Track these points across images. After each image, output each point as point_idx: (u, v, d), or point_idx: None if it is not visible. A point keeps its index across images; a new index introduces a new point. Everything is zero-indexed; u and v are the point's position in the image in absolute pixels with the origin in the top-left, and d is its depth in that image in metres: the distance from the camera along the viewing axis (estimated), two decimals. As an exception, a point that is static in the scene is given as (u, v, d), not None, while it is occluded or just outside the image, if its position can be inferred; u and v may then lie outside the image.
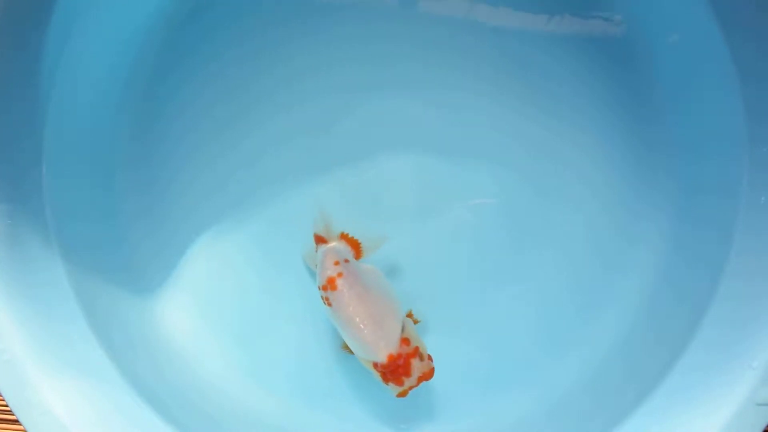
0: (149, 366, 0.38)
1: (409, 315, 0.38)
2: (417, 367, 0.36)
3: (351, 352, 0.37)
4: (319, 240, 0.38)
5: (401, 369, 0.35)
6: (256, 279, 0.41)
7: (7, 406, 0.33)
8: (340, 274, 0.36)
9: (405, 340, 0.36)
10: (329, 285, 0.36)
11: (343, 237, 0.38)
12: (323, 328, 0.40)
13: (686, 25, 0.38)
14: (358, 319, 0.35)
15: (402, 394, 0.36)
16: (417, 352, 0.36)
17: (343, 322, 0.36)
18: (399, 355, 0.35)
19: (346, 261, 0.37)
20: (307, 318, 0.40)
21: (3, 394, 0.33)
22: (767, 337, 0.33)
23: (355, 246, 0.38)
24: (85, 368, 0.35)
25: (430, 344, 0.37)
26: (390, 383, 0.36)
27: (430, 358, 0.36)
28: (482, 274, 0.40)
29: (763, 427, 0.32)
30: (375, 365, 0.36)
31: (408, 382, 0.35)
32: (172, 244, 0.41)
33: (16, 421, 0.33)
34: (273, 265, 0.41)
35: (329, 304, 0.36)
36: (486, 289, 0.40)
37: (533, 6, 0.41)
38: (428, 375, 0.36)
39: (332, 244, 0.38)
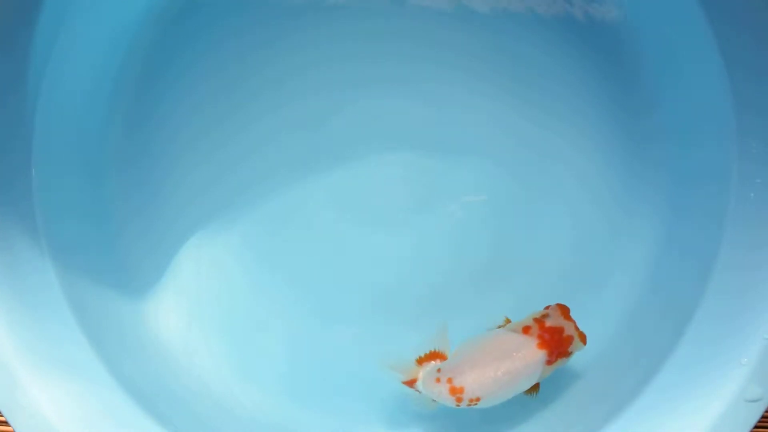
0: (141, 367, 0.38)
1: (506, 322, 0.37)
2: (553, 320, 0.35)
3: (537, 390, 0.36)
4: (410, 383, 0.36)
5: (555, 336, 0.34)
6: (248, 279, 0.40)
7: (-3, 408, 0.33)
8: (449, 380, 0.34)
9: (526, 329, 0.35)
10: (458, 394, 0.34)
11: (419, 362, 0.36)
12: (314, 327, 0.40)
13: (674, 17, 0.38)
14: (500, 373, 0.34)
15: (582, 338, 0.35)
16: (538, 321, 0.35)
17: (500, 385, 0.34)
18: (541, 338, 0.34)
19: (439, 371, 0.35)
20: (298, 317, 0.40)
21: (-7, 397, 0.33)
22: (757, 333, 0.33)
23: (440, 356, 0.36)
24: (76, 370, 0.35)
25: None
26: (570, 350, 0.35)
27: (546, 307, 0.36)
28: (473, 269, 0.40)
29: (753, 423, 0.32)
30: (548, 362, 0.35)
31: (568, 331, 0.35)
32: (163, 245, 0.40)
33: (5, 423, 0.33)
34: (264, 265, 0.40)
35: (478, 400, 0.34)
36: (476, 285, 0.40)
37: (524, 1, 0.41)
38: (564, 310, 0.35)
39: (420, 379, 0.36)
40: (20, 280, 0.35)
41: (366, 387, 0.39)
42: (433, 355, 0.36)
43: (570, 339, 0.35)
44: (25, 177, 0.36)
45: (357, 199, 0.41)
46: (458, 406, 0.35)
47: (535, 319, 0.35)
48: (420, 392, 0.36)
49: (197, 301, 0.40)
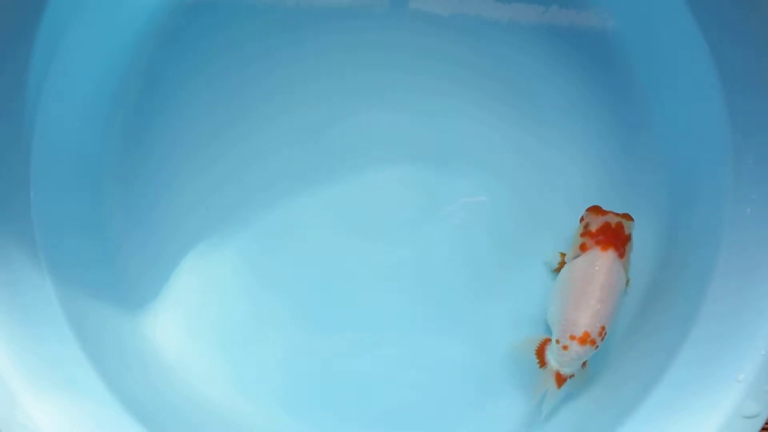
0: (140, 383, 0.38)
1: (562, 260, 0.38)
2: (595, 223, 0.36)
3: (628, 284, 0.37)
4: (560, 379, 0.36)
5: (609, 233, 0.36)
6: (246, 292, 0.40)
7: (-4, 427, 0.33)
8: (572, 337, 0.35)
9: (583, 247, 0.36)
10: (588, 339, 0.35)
11: (542, 365, 0.37)
12: (313, 340, 0.40)
13: (670, 32, 0.38)
14: (599, 294, 0.35)
15: (627, 218, 0.37)
16: (585, 233, 0.36)
17: (607, 303, 0.35)
18: (600, 243, 0.36)
19: (558, 342, 0.36)
20: (297, 330, 0.40)
21: (-8, 415, 0.33)
22: (753, 350, 0.33)
23: (546, 339, 0.37)
24: (74, 385, 0.35)
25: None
26: (627, 233, 0.36)
27: (581, 220, 0.37)
28: (474, 278, 0.40)
29: (750, 439, 0.33)
30: (621, 256, 0.36)
31: (613, 221, 0.36)
32: (162, 259, 0.40)
33: (4, 440, 0.33)
34: (262, 278, 0.40)
35: (603, 328, 0.35)
36: (478, 293, 0.40)
37: (520, 11, 0.41)
38: (597, 209, 0.37)
39: (557, 364, 0.36)
40: (19, 296, 0.35)
41: (363, 399, 0.39)
42: (542, 348, 0.37)
43: (620, 226, 0.36)
44: (24, 192, 0.36)
45: (356, 210, 0.41)
46: (597, 347, 0.35)
47: (582, 234, 0.37)
48: (572, 374, 0.36)
49: (196, 314, 0.40)
